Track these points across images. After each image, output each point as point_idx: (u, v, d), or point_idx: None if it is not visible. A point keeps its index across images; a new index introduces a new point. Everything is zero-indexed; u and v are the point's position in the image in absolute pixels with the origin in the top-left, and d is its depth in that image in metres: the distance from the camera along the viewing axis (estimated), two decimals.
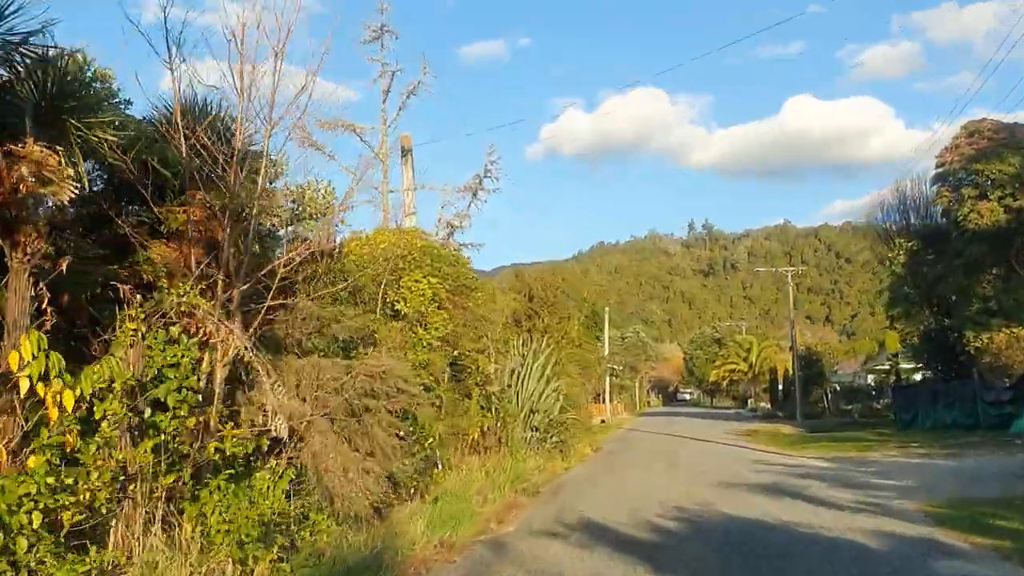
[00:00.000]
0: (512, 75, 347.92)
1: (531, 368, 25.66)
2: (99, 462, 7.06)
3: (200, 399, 9.22)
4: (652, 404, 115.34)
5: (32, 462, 6.46)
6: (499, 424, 23.48)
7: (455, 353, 18.02)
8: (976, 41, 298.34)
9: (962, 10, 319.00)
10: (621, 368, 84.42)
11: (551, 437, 25.75)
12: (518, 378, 25.30)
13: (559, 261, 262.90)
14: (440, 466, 19.31)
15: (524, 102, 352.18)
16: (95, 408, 7.30)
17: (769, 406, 76.09)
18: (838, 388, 65.74)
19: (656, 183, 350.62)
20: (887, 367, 59.81)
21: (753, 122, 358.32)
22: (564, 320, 35.66)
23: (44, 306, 7.35)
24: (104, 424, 7.35)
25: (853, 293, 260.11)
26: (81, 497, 6.70)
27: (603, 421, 65.27)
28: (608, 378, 64.84)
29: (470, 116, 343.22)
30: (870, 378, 67.13)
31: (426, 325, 15.90)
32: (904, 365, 57.15)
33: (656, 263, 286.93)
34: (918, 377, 54.71)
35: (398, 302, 15.57)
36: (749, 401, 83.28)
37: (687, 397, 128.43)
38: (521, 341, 27.24)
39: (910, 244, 39.62)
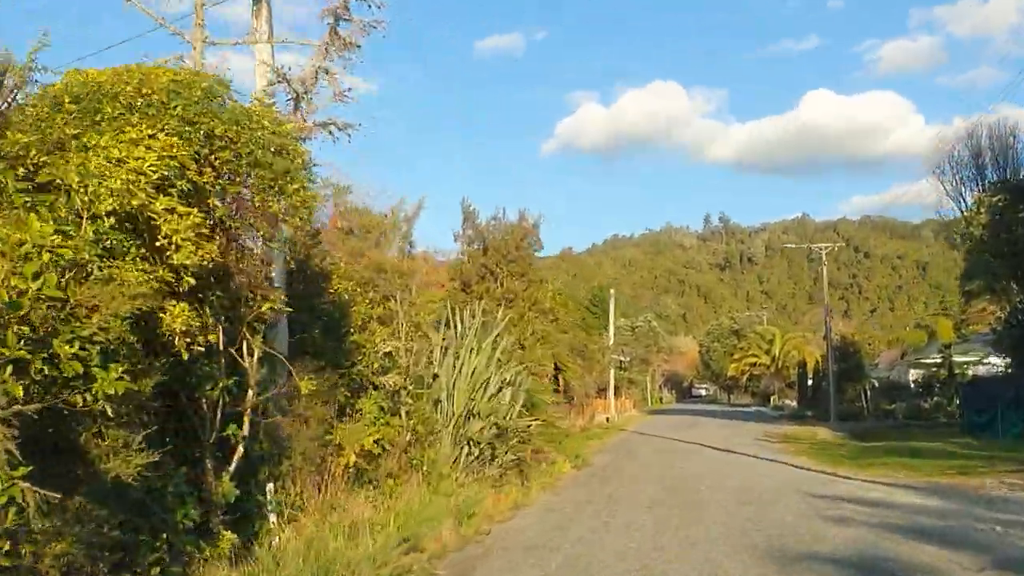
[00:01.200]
0: (527, 69, 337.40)
1: (474, 349, 16.68)
2: None
3: None
4: (665, 400, 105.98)
5: None
6: (411, 436, 14.55)
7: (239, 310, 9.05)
8: (997, 36, 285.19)
9: (984, 5, 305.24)
10: (629, 360, 75.34)
11: (503, 453, 16.75)
12: (453, 364, 16.36)
13: (572, 254, 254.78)
14: (275, 519, 10.47)
15: (539, 97, 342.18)
16: None
17: (795, 404, 66.85)
18: (876, 384, 56.37)
19: (672, 178, 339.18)
20: (937, 360, 50.38)
21: (770, 117, 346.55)
22: (534, 285, 26.24)
23: None
24: None
25: (872, 288, 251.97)
26: None
27: (608, 420, 56.40)
28: (613, 371, 55.79)
29: (484, 109, 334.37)
30: (912, 373, 57.64)
31: (146, 234, 7.01)
32: (959, 358, 47.87)
33: (671, 256, 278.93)
34: (972, 372, 45.65)
35: (70, 180, 6.60)
36: (772, 398, 73.81)
37: (703, 393, 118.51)
38: (469, 312, 18.19)
39: (995, 199, 30.17)
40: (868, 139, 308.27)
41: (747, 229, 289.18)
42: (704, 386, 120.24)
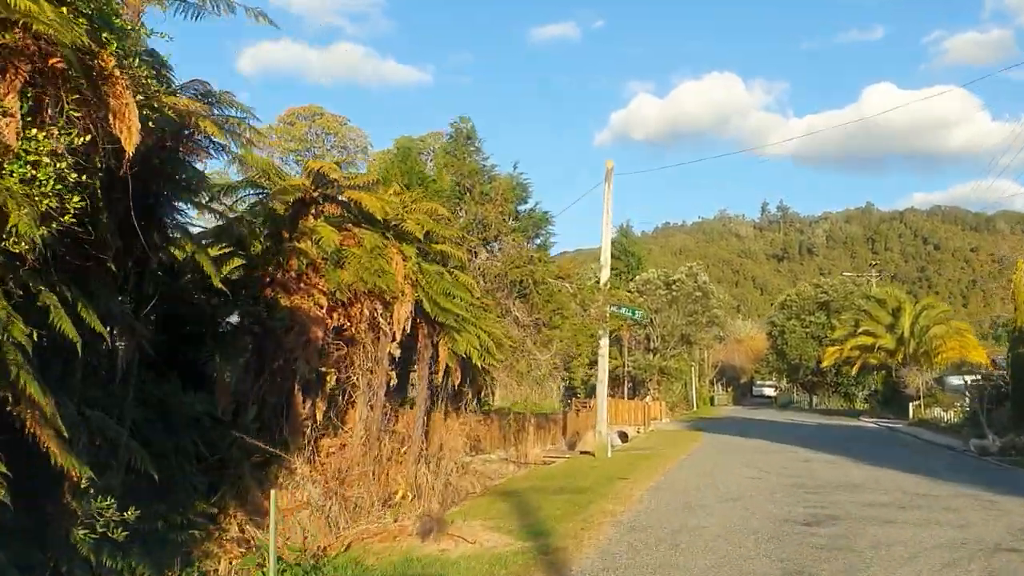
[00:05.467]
0: (583, 58, 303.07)
1: None
2: None
3: None
4: (719, 401, 72.45)
5: None
6: None
7: None
8: None
9: None
10: (659, 335, 42.97)
11: None
12: None
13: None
14: None
15: (594, 87, 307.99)
16: None
17: (949, 416, 33.70)
18: None
19: (728, 169, 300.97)
20: None
21: (831, 111, 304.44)
22: None
23: None
24: None
25: (943, 283, 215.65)
26: None
27: (602, 446, 24.45)
28: (607, 341, 22.99)
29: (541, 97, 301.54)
30: None
31: None
32: None
33: (725, 245, 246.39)
34: None
35: None
36: (914, 406, 39.27)
37: (769, 392, 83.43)
38: None
39: None
40: (933, 135, 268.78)
41: (807, 218, 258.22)
42: (770, 383, 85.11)
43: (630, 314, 22.93)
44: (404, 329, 15.69)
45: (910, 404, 39.06)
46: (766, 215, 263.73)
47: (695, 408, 58.19)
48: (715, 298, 46.79)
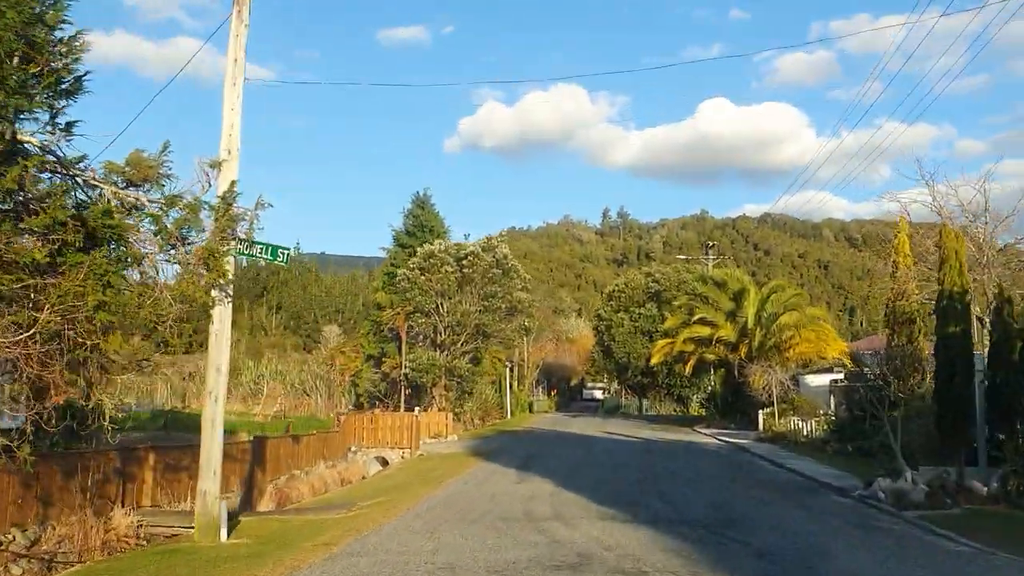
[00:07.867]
0: (433, 64, 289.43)
1: None
2: None
3: None
4: (539, 407, 62.05)
5: None
6: None
7: None
8: (887, 51, 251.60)
9: (876, 21, 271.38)
10: (435, 306, 32.04)
11: None
12: None
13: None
14: None
15: (443, 92, 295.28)
16: None
17: (811, 427, 24.08)
18: None
19: (572, 177, 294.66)
20: None
21: (670, 124, 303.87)
22: None
23: None
24: None
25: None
26: None
27: None
28: (227, 306, 10.98)
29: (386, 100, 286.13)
30: None
31: None
32: None
33: (568, 250, 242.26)
34: None
35: None
36: (763, 415, 29.52)
37: (598, 395, 74.49)
38: None
39: None
40: (762, 149, 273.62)
41: (645, 225, 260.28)
42: (600, 386, 76.15)
43: (268, 256, 11.40)
44: None
45: (760, 412, 29.48)
46: (607, 221, 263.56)
47: (510, 415, 47.37)
48: (519, 279, 35.70)
